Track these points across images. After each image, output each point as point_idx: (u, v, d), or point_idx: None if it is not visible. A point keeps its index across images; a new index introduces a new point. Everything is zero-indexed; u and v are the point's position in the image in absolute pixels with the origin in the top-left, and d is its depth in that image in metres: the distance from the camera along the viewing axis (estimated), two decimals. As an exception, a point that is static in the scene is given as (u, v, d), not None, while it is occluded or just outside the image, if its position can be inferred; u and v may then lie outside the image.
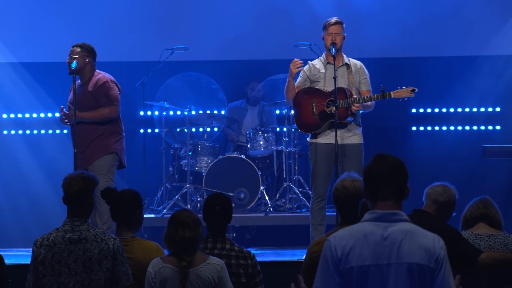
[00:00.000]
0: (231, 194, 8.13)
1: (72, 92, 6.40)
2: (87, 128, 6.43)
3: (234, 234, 8.07)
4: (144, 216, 8.03)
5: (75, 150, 6.25)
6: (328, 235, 4.13)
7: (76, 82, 6.35)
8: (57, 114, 8.77)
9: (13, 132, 9.28)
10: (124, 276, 4.03)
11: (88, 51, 6.50)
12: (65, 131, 8.96)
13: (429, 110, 9.51)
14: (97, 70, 6.57)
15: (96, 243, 3.99)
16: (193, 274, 3.99)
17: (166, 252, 4.45)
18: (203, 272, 4.00)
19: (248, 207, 8.28)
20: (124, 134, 6.63)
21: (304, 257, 6.06)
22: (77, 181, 4.06)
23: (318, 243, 4.13)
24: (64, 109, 6.42)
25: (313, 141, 6.53)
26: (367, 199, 3.10)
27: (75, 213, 4.06)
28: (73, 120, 6.31)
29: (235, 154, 8.50)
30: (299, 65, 6.44)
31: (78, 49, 6.48)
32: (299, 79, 6.59)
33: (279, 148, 8.56)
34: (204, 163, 8.54)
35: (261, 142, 8.51)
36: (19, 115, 9.30)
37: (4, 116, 9.29)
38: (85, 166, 6.34)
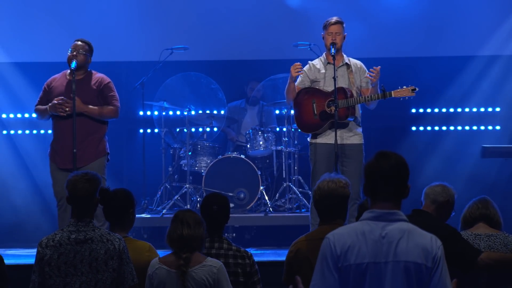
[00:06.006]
0: (230, 194, 8.13)
1: (59, 87, 6.45)
2: (86, 124, 6.40)
3: (234, 234, 8.07)
4: (144, 216, 8.18)
5: (74, 150, 6.23)
6: (306, 235, 4.17)
7: (66, 76, 6.38)
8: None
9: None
10: (129, 276, 4.03)
11: (91, 51, 6.58)
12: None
13: (429, 110, 9.51)
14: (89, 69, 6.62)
15: (102, 244, 3.99)
16: (188, 275, 3.98)
17: (158, 252, 4.46)
18: (197, 274, 3.99)
19: (248, 207, 8.28)
20: None
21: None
22: (83, 183, 4.06)
23: (295, 243, 4.18)
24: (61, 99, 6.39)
25: (314, 141, 6.53)
26: (366, 196, 3.10)
27: (80, 214, 4.06)
28: (77, 110, 6.29)
29: (234, 154, 8.49)
30: (299, 69, 6.43)
31: (86, 47, 6.53)
32: (299, 79, 6.59)
33: (279, 148, 8.55)
34: (203, 163, 8.54)
35: (261, 142, 8.51)
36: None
37: (4, 116, 9.31)
38: (79, 163, 6.29)
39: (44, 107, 6.49)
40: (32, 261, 4.16)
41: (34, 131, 9.31)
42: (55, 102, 6.37)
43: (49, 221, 8.60)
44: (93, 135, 6.44)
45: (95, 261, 3.96)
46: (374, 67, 6.37)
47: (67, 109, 6.34)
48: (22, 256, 7.31)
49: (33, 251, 4.15)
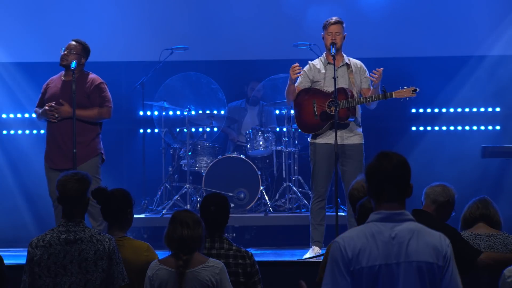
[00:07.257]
0: (230, 194, 8.13)
1: (53, 88, 6.45)
2: (76, 126, 6.39)
3: (234, 234, 8.06)
4: (144, 216, 8.18)
5: (74, 150, 6.24)
6: None
7: (61, 77, 6.37)
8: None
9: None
10: (119, 277, 4.03)
11: (85, 51, 6.53)
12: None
13: (429, 110, 9.50)
14: (83, 69, 6.59)
15: (91, 244, 3.99)
16: (191, 276, 3.97)
17: (157, 252, 4.45)
18: (201, 274, 3.98)
19: (248, 207, 8.27)
20: None
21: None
22: (72, 182, 4.06)
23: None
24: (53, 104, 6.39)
25: (314, 141, 6.53)
26: (371, 198, 3.08)
27: (70, 214, 4.06)
28: (65, 116, 6.30)
29: (234, 154, 8.49)
30: (297, 71, 6.43)
31: (79, 47, 6.49)
32: (299, 79, 6.58)
33: (279, 148, 8.55)
34: (203, 163, 8.54)
35: (261, 142, 8.51)
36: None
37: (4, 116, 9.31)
38: (71, 164, 6.27)
39: (39, 110, 6.53)
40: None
41: (34, 131, 9.30)
42: (46, 108, 6.41)
43: (49, 221, 8.59)
44: (83, 136, 6.41)
45: (85, 261, 3.97)
46: (376, 69, 6.36)
47: (56, 115, 6.37)
48: (22, 256, 7.29)
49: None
